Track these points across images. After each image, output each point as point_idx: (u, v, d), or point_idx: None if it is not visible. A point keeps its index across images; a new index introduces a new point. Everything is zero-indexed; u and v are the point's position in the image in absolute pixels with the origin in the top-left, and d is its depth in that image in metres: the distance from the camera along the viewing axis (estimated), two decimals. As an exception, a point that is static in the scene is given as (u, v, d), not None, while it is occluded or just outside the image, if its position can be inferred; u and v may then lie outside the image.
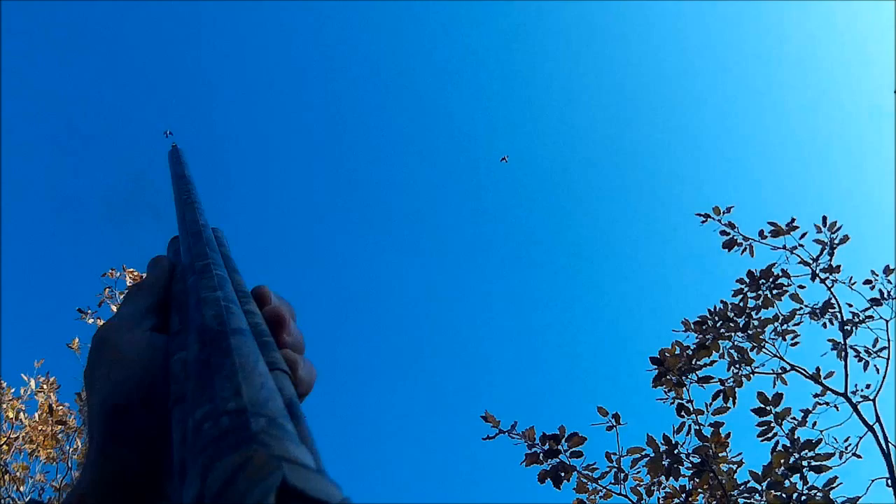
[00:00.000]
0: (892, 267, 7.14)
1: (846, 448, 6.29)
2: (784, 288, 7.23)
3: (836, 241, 7.32)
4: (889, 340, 6.77)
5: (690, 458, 6.20)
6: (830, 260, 7.27)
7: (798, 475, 5.92)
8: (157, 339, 0.45)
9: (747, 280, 7.34)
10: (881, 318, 6.94)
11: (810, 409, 6.56)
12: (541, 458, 6.11)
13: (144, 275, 0.54)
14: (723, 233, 7.67)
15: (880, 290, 7.06)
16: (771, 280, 7.28)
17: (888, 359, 6.68)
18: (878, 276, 7.14)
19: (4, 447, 9.06)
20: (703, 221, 7.75)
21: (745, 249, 7.56)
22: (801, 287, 7.21)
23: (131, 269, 9.68)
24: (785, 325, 7.07)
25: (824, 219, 7.42)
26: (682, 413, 6.66)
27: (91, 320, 9.37)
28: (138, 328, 0.46)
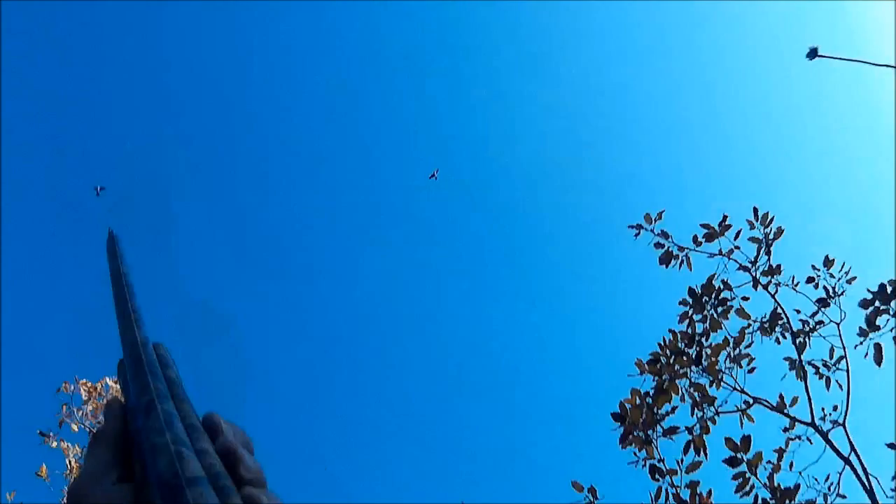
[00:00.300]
0: (831, 258, 6.50)
1: (829, 489, 5.79)
2: (728, 303, 6.33)
3: (772, 236, 6.48)
4: (844, 347, 6.22)
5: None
6: (769, 260, 6.45)
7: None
8: (124, 493, 0.45)
9: (690, 300, 6.33)
10: (832, 321, 6.35)
11: (783, 447, 5.93)
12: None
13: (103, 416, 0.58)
14: (657, 245, 6.49)
15: (825, 288, 6.43)
16: (714, 296, 6.33)
17: (847, 370, 6.15)
18: (819, 270, 6.48)
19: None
20: (637, 234, 6.49)
21: (682, 262, 6.48)
22: (745, 299, 6.36)
23: (84, 381, 9.23)
24: (738, 349, 6.23)
25: (755, 211, 6.50)
26: (657, 476, 5.84)
27: (54, 444, 9.00)
28: (105, 482, 0.46)
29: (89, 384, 9.21)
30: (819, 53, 5.85)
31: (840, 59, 5.94)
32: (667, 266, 6.46)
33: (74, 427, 8.95)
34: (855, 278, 6.42)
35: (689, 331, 6.27)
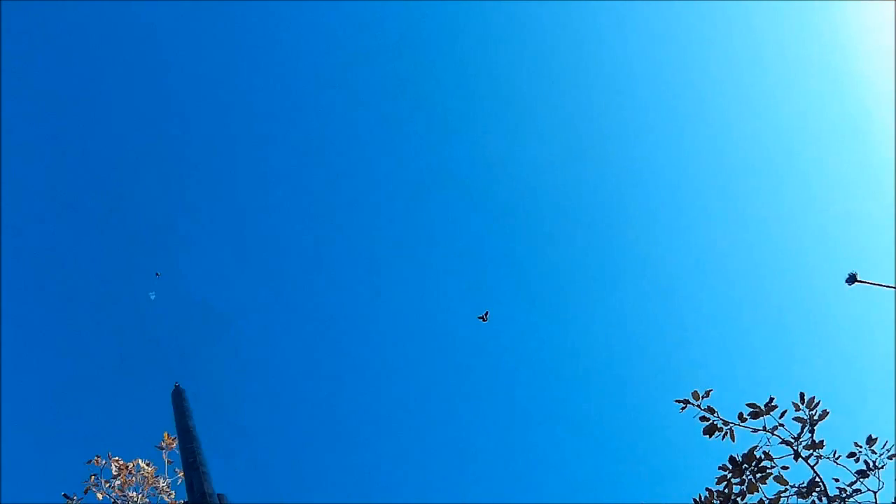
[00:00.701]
0: (874, 437, 6.97)
1: None
2: (767, 470, 7.10)
3: (816, 417, 7.01)
4: (877, 515, 6.89)
5: None
6: (812, 437, 7.04)
7: None
8: None
9: (730, 466, 7.16)
10: (868, 489, 6.96)
11: None
12: None
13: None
14: (702, 419, 7.26)
15: (866, 462, 6.98)
16: (754, 464, 7.11)
17: (877, 537, 6.86)
18: (861, 447, 7.00)
19: None
20: (683, 408, 7.28)
21: (725, 434, 7.23)
22: (785, 468, 7.07)
23: (117, 458, 9.75)
24: (772, 512, 7.08)
25: (802, 396, 7.02)
26: None
27: None
28: None
29: (121, 461, 9.65)
30: (858, 279, 6.10)
31: (880, 285, 6.15)
32: (710, 437, 7.26)
33: (100, 496, 9.40)
34: (897, 455, 6.90)
35: (726, 490, 7.18)
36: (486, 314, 11.82)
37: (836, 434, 7.17)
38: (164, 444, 10.07)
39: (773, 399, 7.08)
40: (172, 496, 10.11)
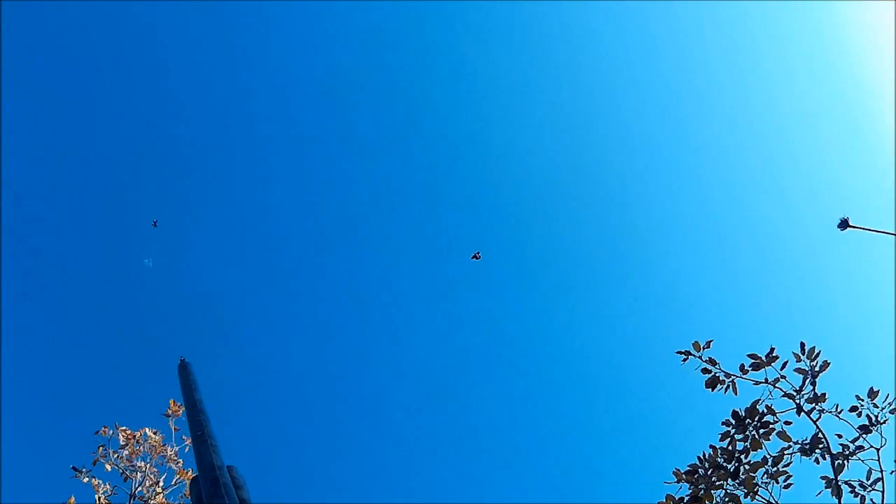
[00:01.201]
0: (876, 390, 6.98)
1: None
2: (770, 426, 7.10)
3: (818, 369, 7.05)
4: (882, 471, 6.83)
5: None
6: (814, 389, 7.06)
7: None
8: None
9: (733, 421, 7.17)
10: (872, 446, 6.92)
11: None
12: None
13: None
14: (704, 370, 7.32)
15: (868, 416, 6.96)
16: (757, 419, 7.11)
17: (883, 491, 6.79)
18: (863, 401, 7.00)
19: None
20: (685, 360, 7.36)
21: (727, 387, 7.28)
22: (788, 423, 7.08)
23: (124, 428, 9.93)
24: (776, 467, 7.05)
25: (802, 346, 7.09)
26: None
27: (86, 479, 9.58)
28: None
29: (128, 431, 9.77)
30: (850, 224, 6.25)
31: (872, 230, 6.29)
32: (712, 390, 7.30)
33: (108, 467, 9.54)
34: (900, 409, 6.88)
35: (730, 447, 7.17)
36: (478, 254, 11.91)
37: (837, 387, 7.18)
38: (170, 412, 10.19)
39: (773, 349, 7.14)
40: (181, 464, 10.19)
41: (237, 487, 0.61)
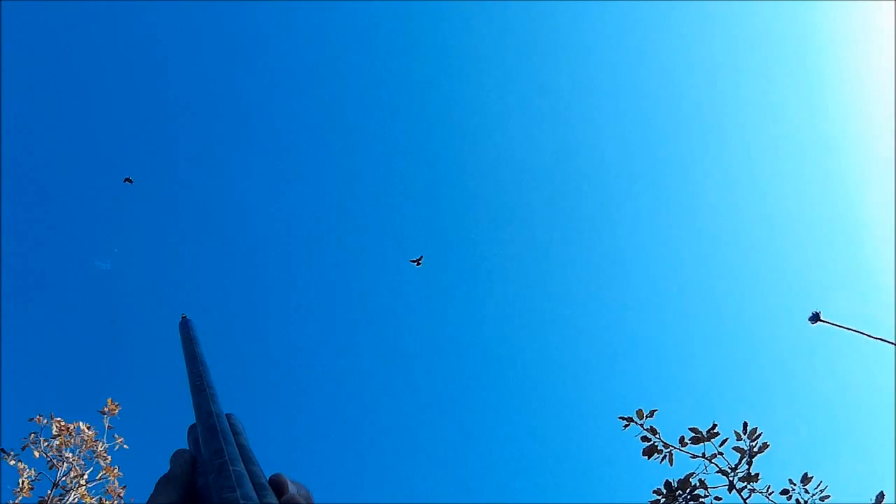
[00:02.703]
0: (809, 476, 7.02)
1: None
2: (701, 500, 7.11)
3: (756, 449, 7.06)
4: (797, 555, 6.90)
5: None
6: (749, 469, 7.08)
7: None
8: None
9: (664, 491, 7.18)
10: (796, 530, 6.99)
11: None
12: None
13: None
14: (644, 438, 7.28)
15: (797, 501, 7.02)
16: (688, 491, 7.12)
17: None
18: (795, 485, 7.04)
19: None
20: (626, 426, 7.30)
21: (664, 457, 7.26)
22: (718, 499, 7.09)
23: (59, 419, 9.89)
24: (701, 541, 7.08)
25: (745, 425, 7.08)
26: None
27: (12, 462, 9.70)
28: None
29: (62, 422, 9.75)
30: (821, 318, 6.19)
31: (842, 326, 6.24)
32: (649, 458, 7.28)
33: (36, 454, 9.57)
34: (829, 497, 6.95)
35: (659, 515, 7.18)
36: (420, 258, 11.71)
37: (773, 469, 7.22)
38: (106, 410, 9.97)
39: (715, 426, 7.12)
40: (108, 461, 9.96)
41: (235, 434, 0.59)
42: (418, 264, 11.56)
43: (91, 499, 9.90)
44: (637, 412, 7.29)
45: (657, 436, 7.27)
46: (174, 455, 0.60)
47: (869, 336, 6.34)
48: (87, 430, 10.00)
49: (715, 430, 7.14)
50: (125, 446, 9.80)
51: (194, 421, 0.63)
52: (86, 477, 9.93)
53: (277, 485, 0.52)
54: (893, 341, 7.33)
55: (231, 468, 0.50)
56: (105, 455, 9.91)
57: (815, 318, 6.17)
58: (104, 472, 9.91)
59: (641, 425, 7.28)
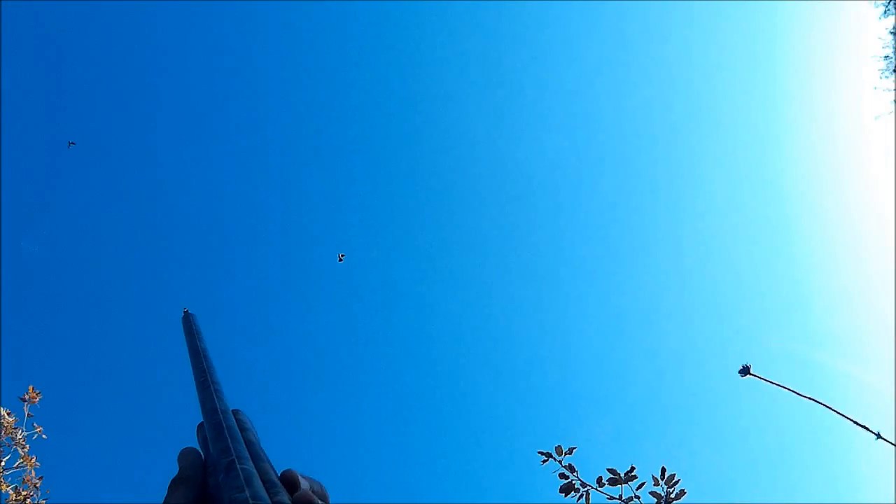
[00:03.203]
0: (724, 527, 6.90)
1: None
2: (615, 541, 6.98)
3: (672, 496, 6.92)
4: None
5: None
6: (665, 514, 6.95)
7: None
8: None
9: (580, 530, 7.04)
10: (704, 582, 6.87)
11: None
12: None
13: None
14: (562, 475, 7.11)
15: (708, 551, 6.91)
16: (603, 532, 6.99)
17: None
18: (709, 535, 6.93)
19: None
20: (544, 461, 7.14)
21: (581, 496, 7.10)
22: (632, 543, 6.96)
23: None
24: (610, 585, 6.95)
25: (663, 470, 6.92)
26: None
27: None
28: None
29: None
30: (751, 372, 6.04)
31: (771, 382, 6.10)
32: (566, 496, 7.12)
33: None
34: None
35: (572, 555, 7.04)
36: (342, 256, 11.84)
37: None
38: (27, 397, 9.73)
39: (633, 468, 6.96)
40: (27, 450, 9.72)
41: (243, 430, 0.57)
42: (340, 260, 11.70)
43: (7, 486, 9.69)
44: (556, 448, 7.12)
45: (575, 474, 7.12)
46: (181, 454, 0.59)
47: (799, 394, 6.22)
48: (7, 417, 9.75)
49: (633, 473, 6.99)
50: (44, 436, 9.55)
51: (201, 419, 0.62)
52: (2, 464, 9.70)
53: (289, 481, 0.51)
54: (823, 401, 7.25)
55: (239, 467, 0.49)
56: (24, 444, 9.66)
57: (744, 371, 6.01)
58: (21, 460, 9.67)
59: (560, 462, 7.12)
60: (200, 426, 0.63)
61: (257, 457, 0.54)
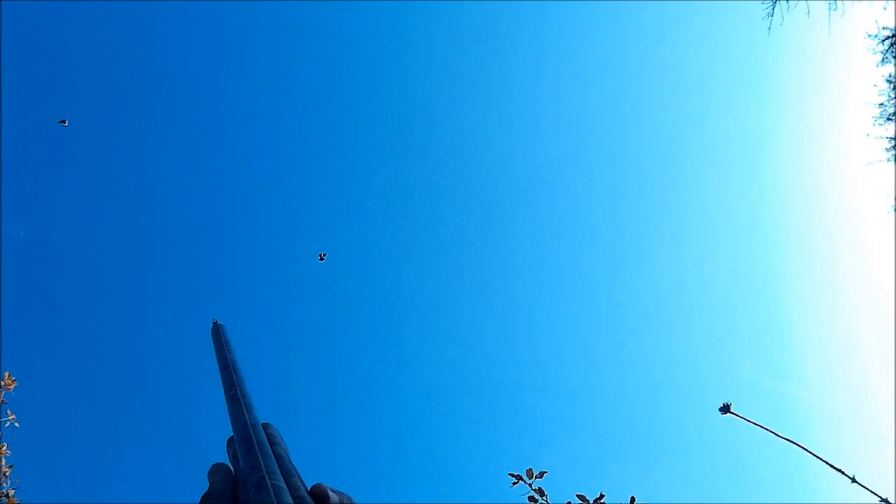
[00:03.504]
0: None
1: None
2: (580, 568, 6.98)
3: (641, 526, 6.95)
4: None
5: None
6: (631, 544, 6.97)
7: None
8: None
9: (546, 554, 7.04)
10: None
11: None
12: None
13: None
14: (531, 498, 7.13)
15: (672, 584, 6.91)
16: (569, 558, 6.99)
17: None
18: (673, 568, 6.94)
19: None
20: (514, 483, 7.15)
21: (549, 520, 7.12)
22: (597, 570, 6.97)
23: None
24: None
25: (632, 500, 6.96)
26: None
27: None
28: None
29: None
30: (731, 411, 6.08)
31: (751, 422, 6.14)
32: (534, 520, 7.13)
33: None
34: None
35: (537, 579, 7.03)
36: (324, 255, 11.86)
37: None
38: (1, 384, 9.66)
39: (603, 496, 6.99)
40: (-2, 437, 9.66)
41: (273, 444, 0.57)
42: (322, 259, 11.74)
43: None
44: (527, 471, 7.14)
45: (544, 497, 7.13)
46: (211, 470, 0.59)
47: (777, 435, 6.27)
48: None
49: (602, 500, 7.02)
50: (17, 424, 9.49)
51: (231, 433, 0.62)
52: (-29, 449, 9.64)
53: (318, 496, 0.51)
54: (800, 444, 7.31)
55: (269, 482, 0.49)
56: (-6, 430, 9.60)
57: (724, 409, 6.06)
58: (-9, 447, 9.60)
59: (530, 485, 7.14)
60: (231, 440, 0.63)
61: (287, 471, 0.53)
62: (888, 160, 13.64)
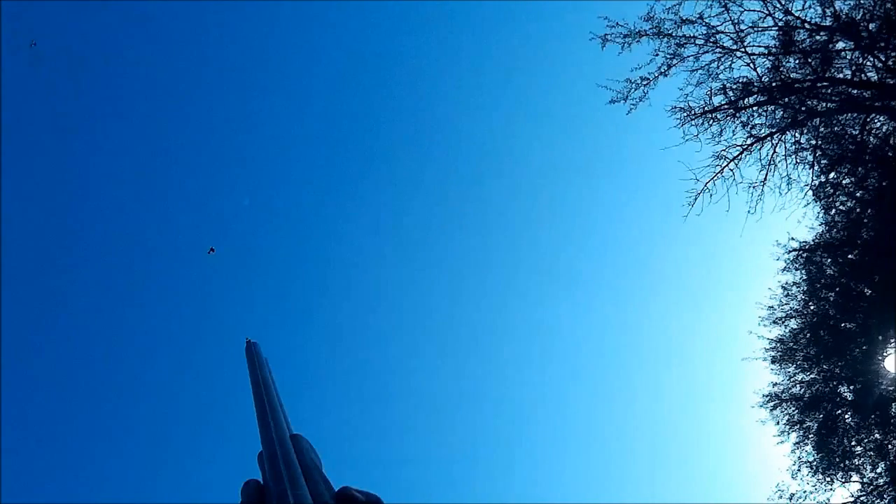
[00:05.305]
0: None
1: None
2: None
3: None
4: None
5: None
6: None
7: None
8: None
9: None
10: None
11: None
12: None
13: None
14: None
15: None
16: None
17: None
18: None
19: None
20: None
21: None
22: None
23: None
24: None
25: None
26: None
27: None
28: None
29: None
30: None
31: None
32: None
33: None
34: None
35: None
36: (212, 249, 12.02)
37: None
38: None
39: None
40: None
41: (300, 454, 0.53)
42: (211, 252, 11.91)
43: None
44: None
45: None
46: (243, 487, 0.59)
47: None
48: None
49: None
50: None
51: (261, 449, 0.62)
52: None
53: (345, 499, 0.52)
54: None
55: (290, 493, 0.50)
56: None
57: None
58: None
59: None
60: (261, 455, 0.63)
61: (312, 480, 0.55)
62: (763, 359, 14.48)
